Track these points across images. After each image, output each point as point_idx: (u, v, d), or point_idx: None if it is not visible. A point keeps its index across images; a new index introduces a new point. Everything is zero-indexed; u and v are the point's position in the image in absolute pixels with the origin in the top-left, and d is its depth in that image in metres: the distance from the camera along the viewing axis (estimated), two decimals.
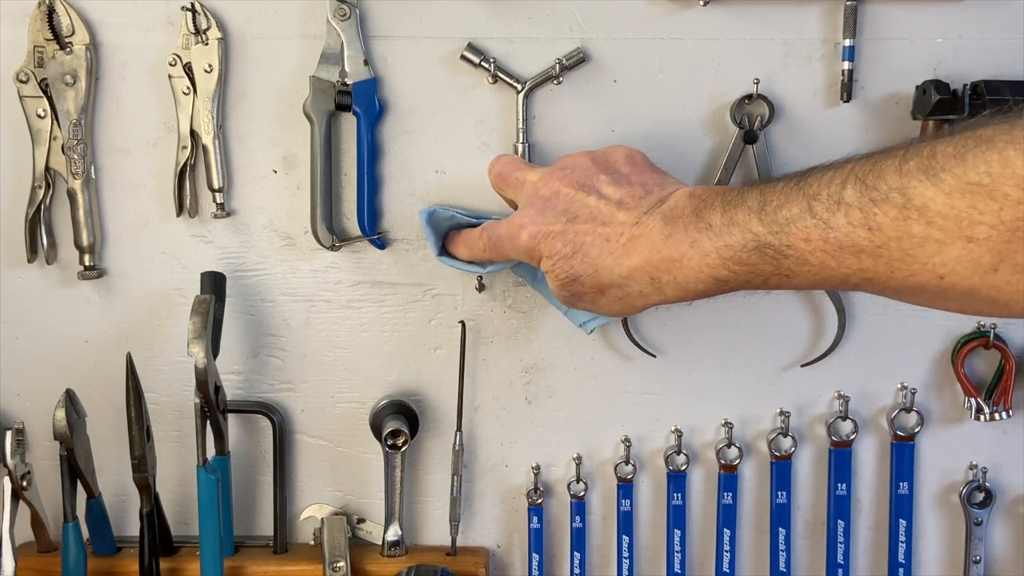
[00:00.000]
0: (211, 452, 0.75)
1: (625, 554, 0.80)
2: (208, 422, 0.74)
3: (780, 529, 0.79)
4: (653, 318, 0.77)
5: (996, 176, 0.42)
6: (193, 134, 0.73)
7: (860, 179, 0.47)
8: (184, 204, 0.75)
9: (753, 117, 0.72)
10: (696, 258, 0.54)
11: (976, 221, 0.43)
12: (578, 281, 0.60)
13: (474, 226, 0.70)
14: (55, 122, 0.73)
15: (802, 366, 0.77)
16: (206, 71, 0.72)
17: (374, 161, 0.74)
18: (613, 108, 0.73)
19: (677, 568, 0.80)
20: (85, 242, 0.75)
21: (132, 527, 0.80)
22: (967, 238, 0.43)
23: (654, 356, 0.77)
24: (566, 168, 0.63)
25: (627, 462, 0.79)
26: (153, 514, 0.75)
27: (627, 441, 0.79)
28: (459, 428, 0.78)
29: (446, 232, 0.72)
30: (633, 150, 0.65)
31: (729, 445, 0.78)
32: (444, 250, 0.72)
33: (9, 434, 0.75)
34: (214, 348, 0.74)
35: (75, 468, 0.74)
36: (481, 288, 0.76)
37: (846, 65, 0.71)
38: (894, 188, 0.45)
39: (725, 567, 0.80)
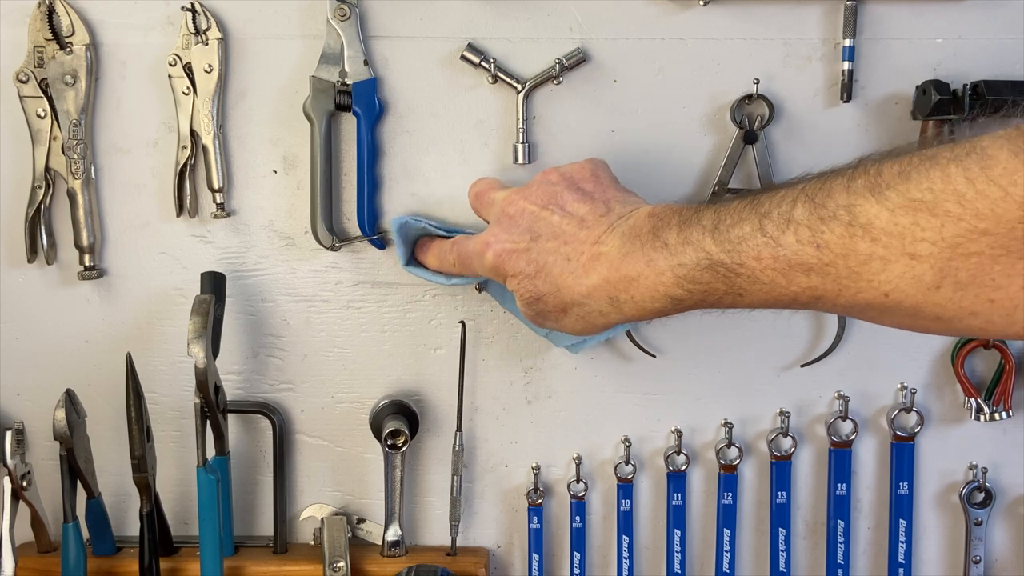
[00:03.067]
0: (211, 452, 0.75)
1: (625, 554, 0.80)
2: (208, 422, 0.74)
3: (780, 529, 0.79)
4: None
5: (938, 192, 0.42)
6: (193, 134, 0.73)
7: (810, 197, 0.47)
8: (184, 204, 0.75)
9: (753, 117, 0.72)
10: (652, 276, 0.54)
11: (918, 238, 0.43)
12: (542, 300, 0.60)
13: (445, 238, 0.70)
14: (55, 122, 0.73)
15: (802, 366, 0.77)
16: (206, 71, 0.72)
17: (374, 161, 0.74)
18: (613, 108, 0.73)
19: (677, 568, 0.80)
20: (85, 242, 0.75)
21: (132, 527, 0.80)
22: (910, 255, 0.43)
23: (654, 356, 0.77)
24: (532, 185, 0.63)
25: (627, 462, 0.79)
26: (153, 514, 0.75)
27: (627, 441, 0.79)
28: (459, 428, 0.78)
29: (415, 240, 0.72)
30: (599, 165, 0.65)
31: (729, 445, 0.78)
32: (413, 259, 0.72)
33: (9, 434, 0.75)
34: (214, 348, 0.74)
35: (75, 468, 0.74)
36: (481, 288, 0.76)
37: (846, 65, 0.71)
38: (841, 206, 0.46)
39: (725, 567, 0.80)
